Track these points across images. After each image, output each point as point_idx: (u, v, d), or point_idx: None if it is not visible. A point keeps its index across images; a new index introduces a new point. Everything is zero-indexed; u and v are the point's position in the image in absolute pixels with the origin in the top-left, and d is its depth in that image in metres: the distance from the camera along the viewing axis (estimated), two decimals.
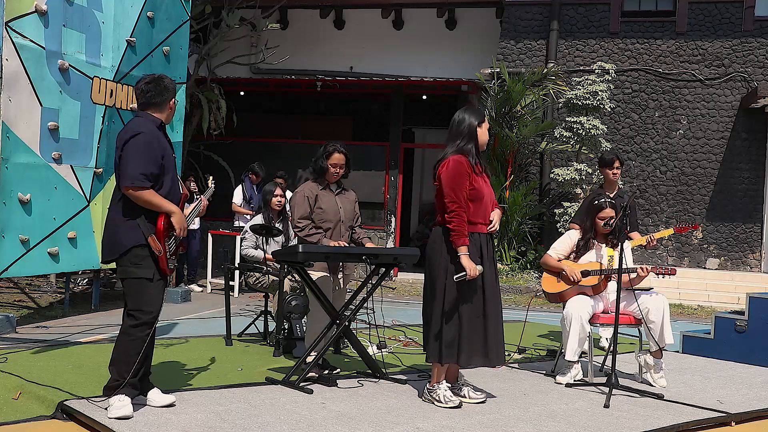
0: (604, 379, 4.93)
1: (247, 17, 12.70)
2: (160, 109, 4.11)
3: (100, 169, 7.30)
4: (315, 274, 5.06)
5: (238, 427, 3.76)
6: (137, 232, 3.89)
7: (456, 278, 4.30)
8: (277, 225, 6.81)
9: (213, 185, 5.25)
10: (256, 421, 3.89)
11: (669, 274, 5.09)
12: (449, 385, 4.46)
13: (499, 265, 12.19)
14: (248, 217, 9.47)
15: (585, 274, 5.21)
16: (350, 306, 5.22)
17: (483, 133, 4.51)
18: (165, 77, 4.19)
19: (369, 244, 5.26)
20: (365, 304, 5.42)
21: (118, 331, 4.01)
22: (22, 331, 6.52)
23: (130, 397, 3.90)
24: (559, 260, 5.40)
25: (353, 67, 14.33)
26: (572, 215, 8.96)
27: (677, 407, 4.58)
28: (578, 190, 11.61)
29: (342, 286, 5.36)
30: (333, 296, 5.17)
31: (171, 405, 4.06)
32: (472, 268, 4.25)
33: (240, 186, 10.52)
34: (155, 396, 4.09)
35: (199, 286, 10.39)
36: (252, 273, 6.46)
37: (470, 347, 4.33)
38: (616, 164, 6.30)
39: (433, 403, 4.39)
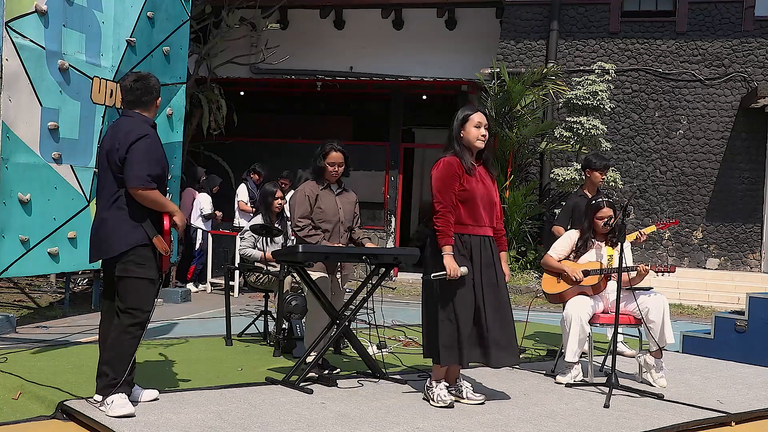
0: (604, 379, 4.92)
1: (247, 17, 12.69)
2: (147, 108, 4.10)
3: None
4: (313, 275, 5.04)
5: (238, 427, 3.76)
6: (140, 231, 3.91)
7: (433, 276, 4.27)
8: (276, 225, 6.80)
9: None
10: (256, 421, 3.89)
11: (668, 272, 5.09)
12: (446, 385, 4.46)
13: None
14: (252, 215, 9.51)
15: (585, 273, 5.21)
16: (350, 306, 5.21)
17: (468, 132, 4.39)
18: (151, 76, 4.16)
19: (369, 245, 5.25)
20: (365, 304, 5.42)
21: (115, 331, 3.99)
22: (22, 331, 6.52)
23: (127, 395, 3.93)
24: (559, 260, 5.40)
25: (353, 67, 14.33)
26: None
27: (677, 407, 4.58)
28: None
29: (341, 286, 5.36)
30: (331, 297, 5.16)
31: (155, 399, 4.12)
32: (453, 269, 4.21)
33: (244, 185, 10.67)
34: (138, 392, 4.13)
35: (197, 285, 10.39)
36: (251, 272, 6.46)
37: (469, 347, 4.32)
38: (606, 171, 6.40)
39: (428, 401, 4.40)
